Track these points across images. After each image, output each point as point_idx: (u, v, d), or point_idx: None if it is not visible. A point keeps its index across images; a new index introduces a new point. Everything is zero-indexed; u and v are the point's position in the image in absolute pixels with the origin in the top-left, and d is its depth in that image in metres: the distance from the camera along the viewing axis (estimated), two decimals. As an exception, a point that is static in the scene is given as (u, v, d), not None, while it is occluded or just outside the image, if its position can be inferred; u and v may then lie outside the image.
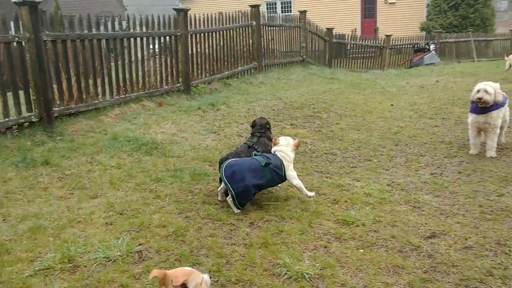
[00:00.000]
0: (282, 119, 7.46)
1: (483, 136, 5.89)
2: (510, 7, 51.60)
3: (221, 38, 9.92)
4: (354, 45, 18.86)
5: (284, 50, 13.40)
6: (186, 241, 3.42)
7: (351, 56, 18.72)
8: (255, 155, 4.22)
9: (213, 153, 5.56)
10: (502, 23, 39.02)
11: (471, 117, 5.84)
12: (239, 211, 3.99)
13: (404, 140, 6.65)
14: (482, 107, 5.63)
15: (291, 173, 4.25)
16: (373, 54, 19.07)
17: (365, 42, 19.24)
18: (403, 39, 19.91)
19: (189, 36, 8.68)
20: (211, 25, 9.56)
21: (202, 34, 9.26)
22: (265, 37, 11.95)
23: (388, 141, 6.63)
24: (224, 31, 10.00)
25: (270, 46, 12.43)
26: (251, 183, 3.95)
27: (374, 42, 19.42)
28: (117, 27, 7.34)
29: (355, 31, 26.67)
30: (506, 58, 12.64)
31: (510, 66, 12.03)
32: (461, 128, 7.18)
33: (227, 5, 24.71)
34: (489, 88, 5.50)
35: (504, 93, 5.98)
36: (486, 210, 4.11)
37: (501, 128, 6.13)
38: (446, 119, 7.90)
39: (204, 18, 9.37)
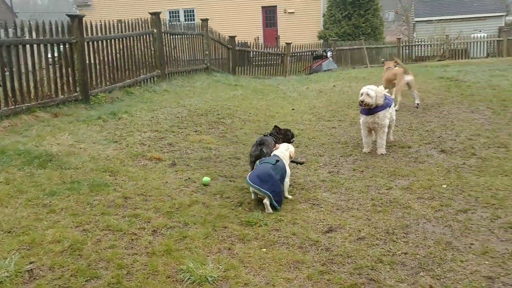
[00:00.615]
0: (186, 126, 7.42)
1: (374, 135, 6.34)
2: (396, 18, 56.22)
3: (121, 46, 9.64)
4: (257, 53, 19.34)
5: (188, 58, 13.36)
6: (83, 255, 3.27)
7: (254, 63, 19.17)
8: (261, 162, 4.68)
9: (114, 163, 5.37)
10: (390, 32, 42.32)
11: (362, 118, 6.27)
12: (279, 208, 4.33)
13: (304, 142, 6.94)
14: (369, 109, 6.07)
15: (288, 172, 4.74)
16: (275, 62, 19.69)
17: (267, 50, 19.81)
18: (302, 47, 20.81)
19: (86, 43, 8.32)
20: (110, 32, 9.25)
21: (100, 42, 8.92)
22: (167, 45, 11.82)
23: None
24: (124, 38, 9.73)
25: (173, 54, 12.32)
26: (277, 179, 4.38)
27: (276, 50, 20.06)
28: (2, 34, 6.83)
29: (258, 39, 27.36)
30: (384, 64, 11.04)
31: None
32: (355, 129, 7.65)
33: (127, 12, 24.07)
34: (371, 92, 5.95)
35: (388, 95, 6.50)
36: (377, 203, 4.43)
37: (389, 127, 6.65)
38: (342, 121, 8.38)
39: (102, 25, 9.05)
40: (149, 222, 3.91)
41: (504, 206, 4.15)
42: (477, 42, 24.16)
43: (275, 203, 4.30)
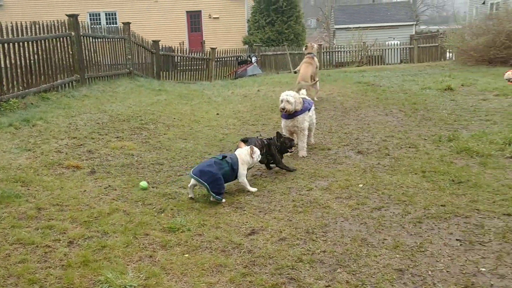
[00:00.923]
0: (107, 132, 7.18)
1: (296, 138, 6.52)
2: (318, 25, 58.33)
3: (36, 49, 9.13)
4: (182, 58, 19.17)
5: (110, 63, 12.93)
6: (-10, 272, 3.05)
7: (180, 68, 18.97)
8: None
9: (27, 172, 5.07)
10: (312, 38, 43.70)
11: (283, 122, 6.44)
12: (221, 198, 4.62)
13: (229, 146, 6.97)
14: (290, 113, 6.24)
15: (242, 171, 4.92)
16: (200, 67, 19.63)
17: (192, 54, 19.69)
18: (227, 52, 20.93)
19: (-6, 45, 7.80)
20: (23, 34, 8.73)
21: (12, 44, 8.39)
22: (87, 48, 11.36)
23: (214, 148, 6.88)
24: (39, 41, 9.22)
25: (94, 58, 11.87)
26: (219, 173, 4.64)
27: (201, 54, 20.00)
28: None
29: (183, 44, 27.17)
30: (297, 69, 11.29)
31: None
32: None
33: (44, 14, 22.87)
34: (290, 98, 6.13)
35: (308, 99, 6.73)
36: (298, 204, 4.56)
37: (310, 130, 6.88)
38: (265, 124, 8.53)
39: (13, 27, 8.51)
40: (64, 233, 3.74)
41: (413, 202, 4.44)
42: (391, 49, 25.66)
43: (213, 194, 4.58)
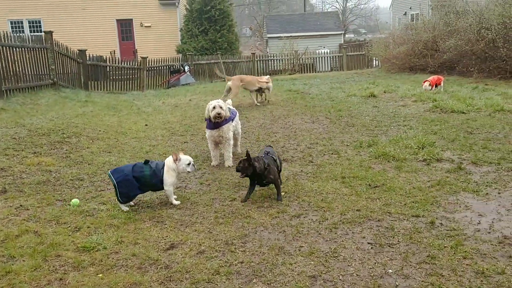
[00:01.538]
0: (24, 148, 6.81)
1: (222, 148, 6.52)
2: (253, 33, 59.02)
3: None
4: (112, 67, 18.65)
5: (32, 73, 12.33)
6: None
7: (110, 78, 18.44)
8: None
9: None
10: (247, 46, 44.21)
11: (207, 132, 6.41)
12: (123, 205, 4.64)
13: (154, 158, 6.84)
14: (215, 123, 6.23)
15: (168, 179, 4.78)
16: (131, 76, 19.19)
17: (122, 64, 19.21)
18: (159, 61, 20.64)
19: None
20: None
21: None
22: (4, 58, 10.77)
23: (138, 160, 6.71)
24: None
25: (13, 69, 11.26)
26: (131, 175, 4.62)
27: (132, 64, 19.57)
28: None
29: (114, 53, 26.46)
30: (227, 81, 11.65)
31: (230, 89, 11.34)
32: (207, 142, 7.76)
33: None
34: (223, 104, 6.14)
35: (233, 108, 6.77)
36: (219, 215, 4.55)
37: (236, 139, 6.92)
38: (194, 135, 8.47)
39: None
40: (-35, 260, 3.48)
41: (331, 208, 4.57)
42: (322, 57, 26.46)
43: (119, 196, 4.63)
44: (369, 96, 11.44)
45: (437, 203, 4.61)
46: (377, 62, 23.76)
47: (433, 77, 12.02)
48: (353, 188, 5.13)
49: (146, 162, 4.83)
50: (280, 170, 5.24)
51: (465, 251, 3.58)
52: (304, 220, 4.34)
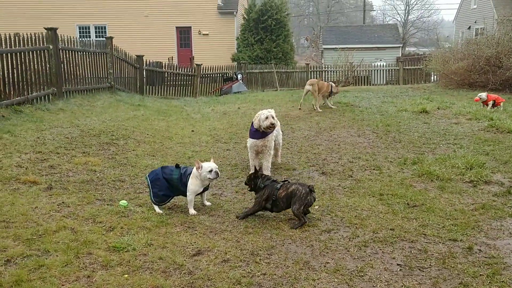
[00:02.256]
0: (74, 147, 7.15)
1: (262, 157, 6.52)
2: (310, 44, 58.93)
3: (11, 61, 9.12)
4: (168, 73, 19.24)
5: (91, 76, 12.95)
6: None
7: (166, 83, 19.03)
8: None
9: (-19, 187, 5.03)
10: (304, 57, 44.12)
11: (250, 142, 6.42)
12: (156, 207, 4.86)
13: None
14: (262, 133, 6.23)
15: (191, 186, 4.84)
16: (186, 82, 19.70)
17: (177, 70, 19.77)
18: (213, 68, 21.05)
19: (-34, 57, 7.79)
20: (-3, 46, 8.75)
21: (-16, 56, 8.40)
22: (66, 62, 11.39)
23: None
24: (14, 53, 9.22)
25: (73, 72, 11.88)
26: (162, 175, 4.86)
27: (186, 70, 20.08)
28: None
29: (172, 59, 27.28)
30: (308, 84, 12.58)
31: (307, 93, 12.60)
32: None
33: (32, 26, 22.93)
34: (274, 114, 6.16)
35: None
36: (249, 225, 4.54)
37: (276, 150, 6.90)
38: (238, 143, 8.54)
39: (-14, 38, 8.53)
40: (4, 251, 3.69)
41: (364, 226, 4.45)
42: (377, 70, 25.94)
43: (152, 195, 4.87)
44: (421, 112, 11.06)
45: (478, 227, 4.37)
46: (435, 77, 22.97)
47: (492, 95, 11.46)
48: (390, 206, 4.97)
49: (177, 166, 4.98)
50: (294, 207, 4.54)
51: (502, 281, 3.37)
52: (334, 236, 4.25)
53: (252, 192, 4.94)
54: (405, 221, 4.56)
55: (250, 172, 4.87)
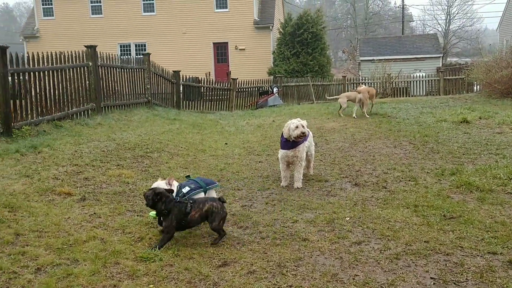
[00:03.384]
0: (109, 160, 7.30)
1: (293, 169, 6.44)
2: (347, 56, 58.50)
3: (52, 78, 9.50)
4: (204, 88, 19.51)
5: (128, 92, 13.29)
6: None
7: (203, 98, 19.30)
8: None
9: (18, 198, 5.18)
10: (342, 69, 43.86)
11: (281, 153, 6.37)
12: None
13: (227, 176, 6.96)
14: (292, 143, 6.18)
15: None
16: (222, 97, 19.91)
17: (213, 84, 20.02)
18: (249, 82, 21.19)
19: (10, 75, 8.16)
20: (39, 64, 9.12)
21: (27, 74, 8.77)
22: (105, 78, 11.74)
23: (212, 177, 6.86)
24: (55, 70, 9.60)
25: (112, 87, 12.23)
26: None
27: (223, 85, 20.31)
28: None
29: (209, 74, 27.71)
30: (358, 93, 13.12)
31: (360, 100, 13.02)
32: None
33: (76, 44, 23.90)
34: (304, 123, 6.11)
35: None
36: (278, 236, 4.46)
37: (308, 161, 6.81)
38: (270, 155, 8.49)
39: (29, 56, 8.91)
40: (36, 259, 3.77)
41: (396, 238, 4.28)
42: (416, 81, 25.38)
43: None
44: (461, 122, 10.67)
45: (520, 240, 4.11)
46: (477, 86, 22.23)
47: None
48: (425, 218, 4.77)
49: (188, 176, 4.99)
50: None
51: (546, 298, 3.13)
52: (365, 248, 4.11)
53: (281, 203, 4.86)
54: (440, 233, 4.35)
55: (147, 192, 4.36)
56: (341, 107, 13.50)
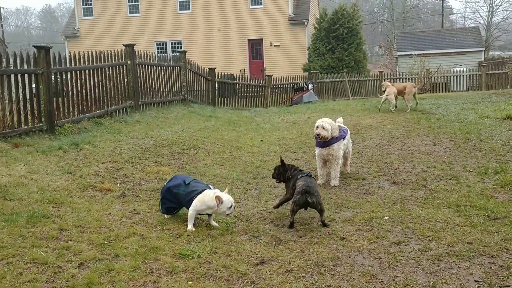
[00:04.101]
0: (147, 157, 7.43)
1: (330, 166, 6.38)
2: (384, 51, 57.33)
3: (92, 77, 9.76)
4: (239, 85, 19.59)
5: (165, 89, 13.49)
6: (-2, 289, 3.22)
7: (238, 95, 19.39)
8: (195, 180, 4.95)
9: (62, 194, 5.35)
10: (378, 65, 43.10)
11: (317, 150, 6.33)
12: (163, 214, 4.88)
13: (263, 173, 6.96)
14: (323, 141, 6.13)
15: (197, 203, 4.59)
16: (257, 93, 19.93)
17: (248, 81, 20.07)
18: (284, 79, 21.12)
19: (53, 74, 8.43)
20: (80, 63, 9.39)
21: (69, 73, 9.04)
22: (142, 76, 11.95)
23: (248, 175, 6.89)
24: (95, 69, 9.85)
25: (149, 85, 12.44)
26: (167, 186, 4.87)
27: (257, 81, 20.32)
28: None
29: (244, 71, 27.80)
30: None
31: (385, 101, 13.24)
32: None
33: (115, 43, 24.45)
34: (326, 125, 6.03)
35: (344, 127, 6.59)
36: (315, 235, 4.43)
37: (346, 159, 6.72)
38: (306, 152, 8.44)
39: (71, 56, 9.18)
40: (79, 254, 3.87)
41: (438, 238, 4.17)
42: (457, 76, 24.63)
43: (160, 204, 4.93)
44: (505, 118, 10.29)
45: None
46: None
47: None
48: (468, 218, 4.63)
49: (188, 183, 4.80)
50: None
51: None
52: (405, 248, 4.02)
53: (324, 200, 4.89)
54: (484, 234, 4.21)
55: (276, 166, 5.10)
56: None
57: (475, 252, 3.84)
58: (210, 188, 4.74)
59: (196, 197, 4.60)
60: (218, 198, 4.51)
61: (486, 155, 7.33)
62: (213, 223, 4.74)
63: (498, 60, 28.98)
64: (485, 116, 10.88)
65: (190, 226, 4.59)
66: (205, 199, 4.56)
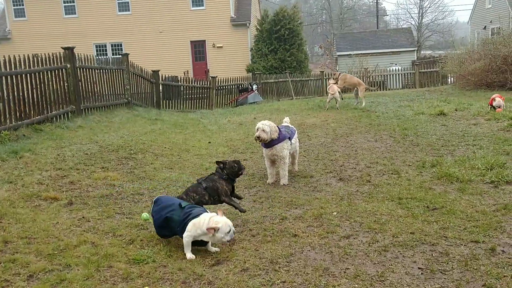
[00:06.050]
0: (93, 163, 7.25)
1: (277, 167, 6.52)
2: (324, 52, 58.84)
3: (30, 82, 9.34)
4: (184, 87, 19.44)
5: (108, 93, 13.16)
6: None
7: (182, 97, 19.22)
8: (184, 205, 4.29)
9: (3, 204, 5.10)
10: (319, 64, 44.15)
11: (263, 151, 6.46)
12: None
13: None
14: (269, 141, 6.26)
15: (192, 228, 4.01)
16: (201, 95, 19.87)
17: (193, 83, 19.96)
18: (228, 80, 21.19)
19: (-13, 80, 8.01)
20: (16, 67, 8.96)
21: (4, 78, 8.62)
22: (84, 79, 11.59)
23: (198, 177, 6.89)
24: (33, 74, 9.44)
25: (91, 89, 12.08)
26: (165, 215, 4.22)
27: (202, 83, 20.26)
28: None
29: (188, 73, 27.60)
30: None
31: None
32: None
33: (50, 46, 23.47)
34: (266, 127, 6.15)
35: (292, 127, 6.76)
36: (268, 233, 4.53)
37: (293, 158, 6.89)
38: (255, 153, 8.55)
39: (5, 60, 8.75)
40: (27, 266, 3.75)
41: (383, 230, 4.40)
42: (393, 74, 25.77)
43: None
44: (438, 114, 10.94)
45: (501, 228, 4.28)
46: (452, 78, 22.71)
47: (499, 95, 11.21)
48: (409, 210, 4.91)
49: (181, 206, 4.25)
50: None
51: (528, 283, 3.28)
52: (354, 242, 4.21)
53: (269, 200, 4.93)
54: (425, 224, 4.49)
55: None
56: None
57: (417, 241, 4.10)
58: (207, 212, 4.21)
59: (190, 221, 4.05)
60: (210, 230, 3.95)
61: (423, 149, 7.77)
62: (212, 248, 4.19)
63: (430, 59, 30.58)
64: (421, 113, 11.50)
65: (189, 255, 4.03)
66: (198, 226, 4.01)
